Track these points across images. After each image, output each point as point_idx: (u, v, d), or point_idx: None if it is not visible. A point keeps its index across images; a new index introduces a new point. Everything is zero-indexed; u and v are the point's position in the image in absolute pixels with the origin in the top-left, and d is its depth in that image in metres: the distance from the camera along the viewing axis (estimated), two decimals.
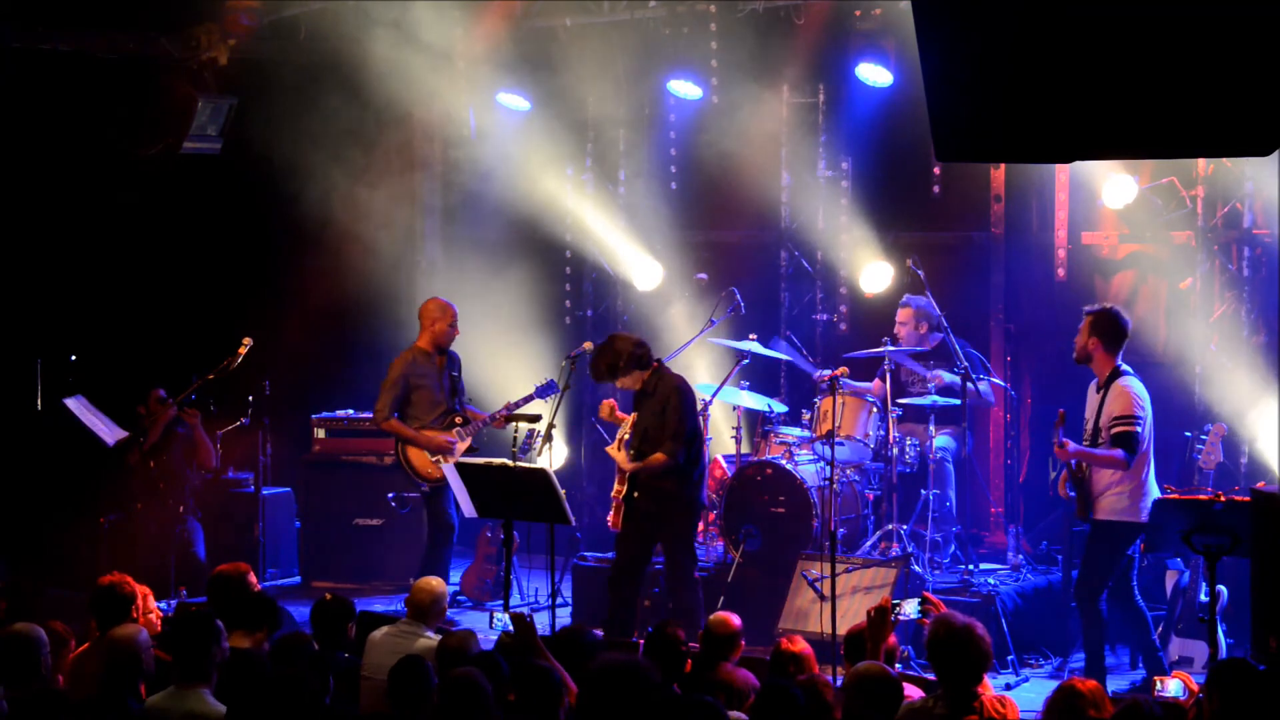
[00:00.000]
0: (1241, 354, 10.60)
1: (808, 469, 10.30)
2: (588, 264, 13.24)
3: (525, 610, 7.43)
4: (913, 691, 6.15)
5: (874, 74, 11.39)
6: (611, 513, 9.32)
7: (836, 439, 9.77)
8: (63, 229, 11.90)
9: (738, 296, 11.24)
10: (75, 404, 10.94)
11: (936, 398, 10.49)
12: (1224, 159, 10.57)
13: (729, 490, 10.41)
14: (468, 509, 9.00)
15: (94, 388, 11.28)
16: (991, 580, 10.02)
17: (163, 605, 8.31)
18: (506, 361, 12.22)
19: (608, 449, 9.24)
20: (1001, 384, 11.17)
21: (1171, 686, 6.60)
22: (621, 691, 5.34)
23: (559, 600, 10.24)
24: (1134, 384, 8.74)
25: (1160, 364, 10.88)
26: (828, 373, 10.15)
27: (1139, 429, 8.62)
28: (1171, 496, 8.24)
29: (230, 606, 7.14)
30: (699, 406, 10.76)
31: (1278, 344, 10.42)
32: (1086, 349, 8.85)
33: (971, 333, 11.20)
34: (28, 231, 11.77)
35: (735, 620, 6.96)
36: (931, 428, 10.40)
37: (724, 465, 11.04)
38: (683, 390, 9.25)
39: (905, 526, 10.22)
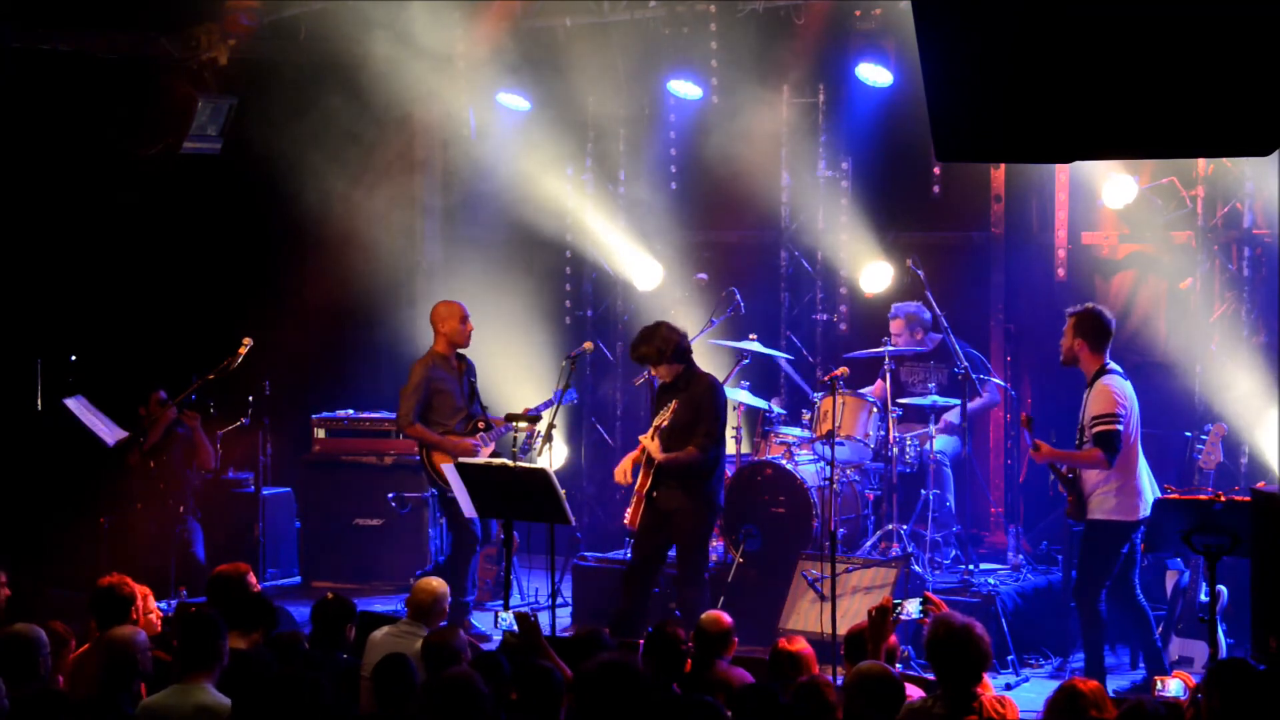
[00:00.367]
0: (1241, 354, 10.60)
1: (808, 469, 10.30)
2: (588, 264, 13.24)
3: (527, 610, 7.43)
4: (913, 691, 6.15)
5: (874, 74, 11.39)
6: (630, 510, 9.30)
7: (836, 439, 9.77)
8: (63, 229, 11.89)
9: (738, 296, 11.24)
10: (75, 404, 10.94)
11: (936, 398, 10.49)
12: (1224, 159, 10.57)
13: (729, 490, 10.40)
14: (468, 509, 9.00)
15: (94, 388, 11.28)
16: (991, 580, 10.02)
17: (163, 605, 8.31)
18: (506, 361, 12.21)
19: (641, 438, 9.22)
20: (1002, 384, 11.17)
21: (1172, 686, 6.60)
22: (615, 692, 5.34)
23: (559, 600, 10.24)
24: (1115, 382, 8.70)
25: (1160, 364, 10.88)
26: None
27: (1119, 427, 8.59)
28: (1171, 496, 8.24)
29: (229, 606, 7.14)
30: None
31: (1278, 344, 10.42)
32: (1072, 350, 8.84)
33: (971, 333, 11.21)
34: (28, 231, 11.77)
35: (727, 618, 6.97)
36: (931, 428, 10.40)
37: (725, 468, 11.04)
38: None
39: (905, 526, 10.22)
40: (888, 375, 10.41)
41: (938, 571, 10.21)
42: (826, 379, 10.14)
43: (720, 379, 10.87)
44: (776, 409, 10.95)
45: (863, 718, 5.76)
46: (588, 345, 10.92)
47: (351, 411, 12.39)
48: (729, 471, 10.75)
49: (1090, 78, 4.31)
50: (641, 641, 6.99)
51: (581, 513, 12.39)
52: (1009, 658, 9.46)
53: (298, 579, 12.11)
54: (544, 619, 9.44)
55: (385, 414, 12.23)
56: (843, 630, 7.83)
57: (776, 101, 12.38)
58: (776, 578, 9.93)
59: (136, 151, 11.87)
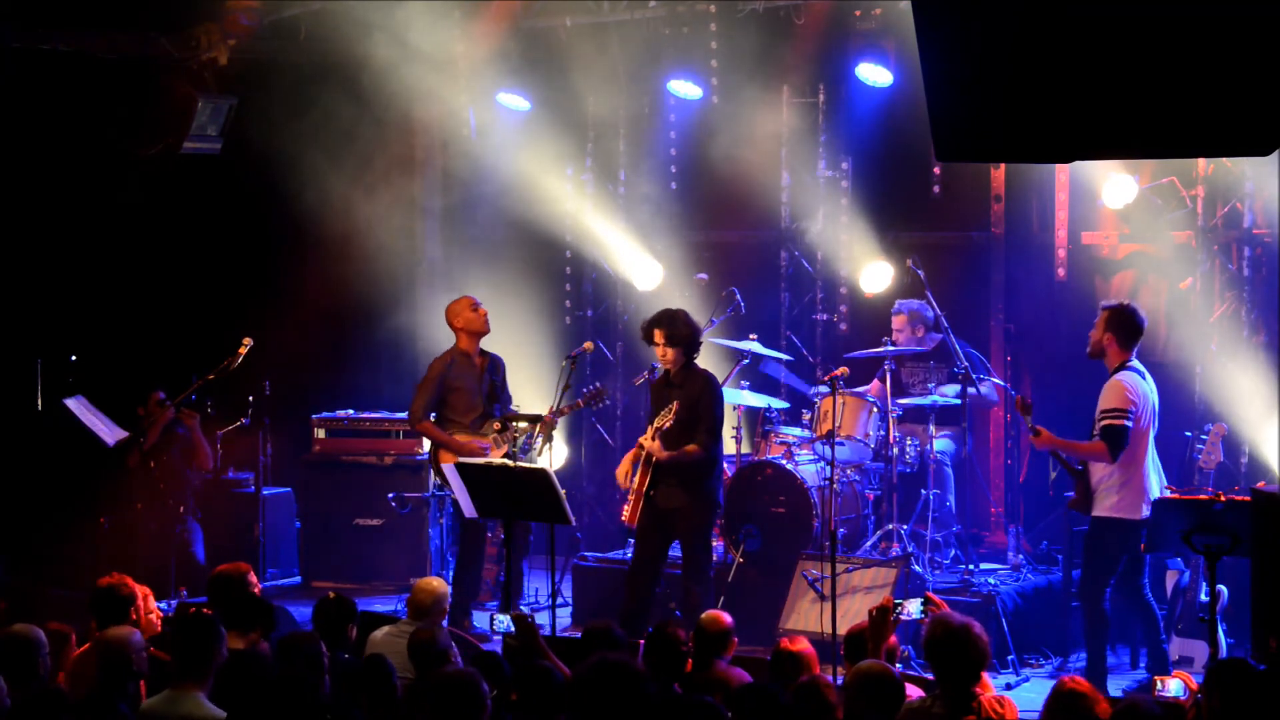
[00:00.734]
0: (1241, 354, 10.60)
1: (808, 469, 10.30)
2: (588, 264, 13.24)
3: (525, 610, 7.43)
4: (913, 691, 6.15)
5: (874, 74, 11.40)
6: (628, 509, 9.30)
7: (837, 439, 9.77)
8: (63, 229, 11.89)
9: (738, 296, 11.24)
10: (75, 404, 10.94)
11: (937, 398, 10.50)
12: (1224, 159, 10.57)
13: (729, 490, 10.40)
14: (468, 509, 9.00)
15: (94, 388, 11.28)
16: (991, 580, 10.02)
17: (163, 605, 8.30)
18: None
19: (641, 440, 9.22)
20: (1002, 384, 11.17)
21: (1172, 686, 6.60)
22: (613, 692, 5.33)
23: (559, 600, 10.23)
24: (1130, 378, 8.70)
25: (1160, 364, 10.87)
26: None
27: (1126, 423, 8.58)
28: (1171, 496, 8.24)
29: (229, 607, 7.14)
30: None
31: (1278, 344, 10.42)
32: (1101, 344, 8.83)
33: (971, 333, 11.21)
34: (28, 231, 11.77)
35: (726, 618, 6.97)
36: (932, 428, 10.40)
37: (724, 465, 11.04)
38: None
39: (905, 526, 10.22)
40: (887, 376, 10.40)
41: (938, 571, 10.20)
42: (826, 379, 10.14)
43: (720, 379, 10.90)
44: (776, 404, 10.94)
45: (863, 717, 5.76)
46: (588, 345, 10.92)
47: (351, 411, 12.39)
48: (729, 471, 10.76)
49: (1090, 78, 4.31)
50: (642, 641, 6.98)
51: (581, 513, 12.39)
52: (1009, 658, 9.46)
53: (298, 579, 12.11)
54: (544, 619, 9.46)
55: (385, 414, 12.24)
56: (843, 630, 7.83)
57: (776, 101, 12.38)
58: (776, 578, 9.93)
59: (136, 151, 11.87)
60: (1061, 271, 11.50)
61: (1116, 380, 8.70)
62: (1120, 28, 4.23)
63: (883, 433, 10.36)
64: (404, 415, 12.10)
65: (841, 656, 6.94)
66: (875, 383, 10.69)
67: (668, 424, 9.11)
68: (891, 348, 10.57)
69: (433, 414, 10.42)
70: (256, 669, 6.31)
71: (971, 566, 10.16)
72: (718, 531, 10.67)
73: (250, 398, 11.37)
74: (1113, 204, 11.04)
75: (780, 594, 9.80)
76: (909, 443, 10.46)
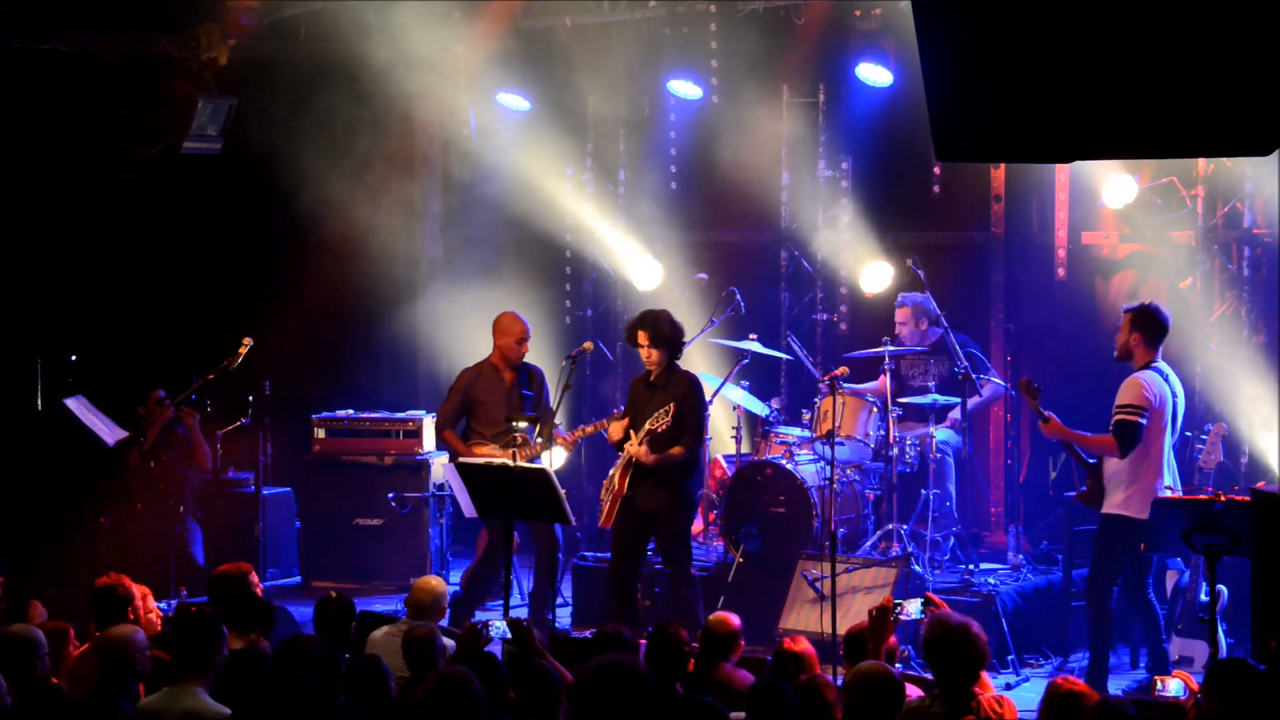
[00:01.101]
0: (1241, 354, 10.59)
1: (808, 469, 10.30)
2: (588, 264, 13.24)
3: (523, 613, 7.43)
4: (913, 691, 6.15)
5: (874, 74, 11.40)
6: (605, 511, 9.30)
7: (837, 439, 9.77)
8: (63, 229, 11.90)
9: (738, 296, 11.25)
10: (75, 404, 10.94)
11: (937, 396, 10.49)
12: (1224, 159, 10.57)
13: (729, 490, 10.41)
14: (468, 509, 9.00)
15: (94, 388, 11.28)
16: (991, 580, 10.02)
17: (163, 605, 8.31)
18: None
19: (627, 445, 9.21)
20: (1002, 384, 11.15)
21: (1172, 686, 6.60)
22: (614, 692, 5.33)
23: (559, 600, 10.23)
24: (1149, 377, 8.70)
25: None
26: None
27: (1140, 420, 8.59)
28: (1171, 496, 8.24)
29: (230, 606, 7.13)
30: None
31: (1278, 344, 10.42)
32: (1128, 345, 8.83)
33: (971, 333, 11.20)
34: (28, 231, 11.77)
35: (735, 620, 6.96)
36: (932, 425, 10.40)
37: (724, 465, 11.04)
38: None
39: (905, 526, 10.22)
40: (887, 373, 10.40)
41: (938, 571, 10.20)
42: (826, 379, 10.14)
43: (720, 379, 10.91)
44: (775, 402, 10.96)
45: (863, 717, 5.76)
46: (588, 345, 10.90)
47: (351, 411, 12.39)
48: (729, 471, 10.77)
49: (1090, 78, 4.31)
50: (644, 642, 6.98)
51: (581, 513, 12.37)
52: (1009, 658, 9.46)
53: (298, 579, 12.11)
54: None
55: (385, 414, 12.24)
56: (843, 630, 7.83)
57: (776, 101, 12.38)
58: (776, 578, 9.93)
59: (136, 151, 11.87)
60: (1061, 271, 11.50)
61: (1134, 377, 8.71)
62: (1120, 28, 4.23)
63: (883, 432, 10.36)
64: (404, 415, 12.16)
65: (841, 656, 6.94)
66: (881, 379, 10.66)
67: (662, 427, 9.08)
68: (891, 347, 10.57)
69: (454, 425, 10.40)
70: (256, 669, 6.31)
71: (971, 566, 10.16)
72: (717, 531, 10.69)
73: (250, 398, 11.36)
74: (1113, 204, 11.04)
75: (780, 594, 9.80)
76: (909, 442, 10.46)
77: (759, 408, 10.90)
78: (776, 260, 12.73)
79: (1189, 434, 9.97)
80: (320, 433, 12.28)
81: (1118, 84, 4.31)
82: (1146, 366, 8.75)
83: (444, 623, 7.94)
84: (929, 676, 6.51)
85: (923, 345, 10.89)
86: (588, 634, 8.21)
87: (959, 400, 10.40)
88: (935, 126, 4.54)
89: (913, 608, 6.62)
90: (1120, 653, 9.57)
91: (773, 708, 5.64)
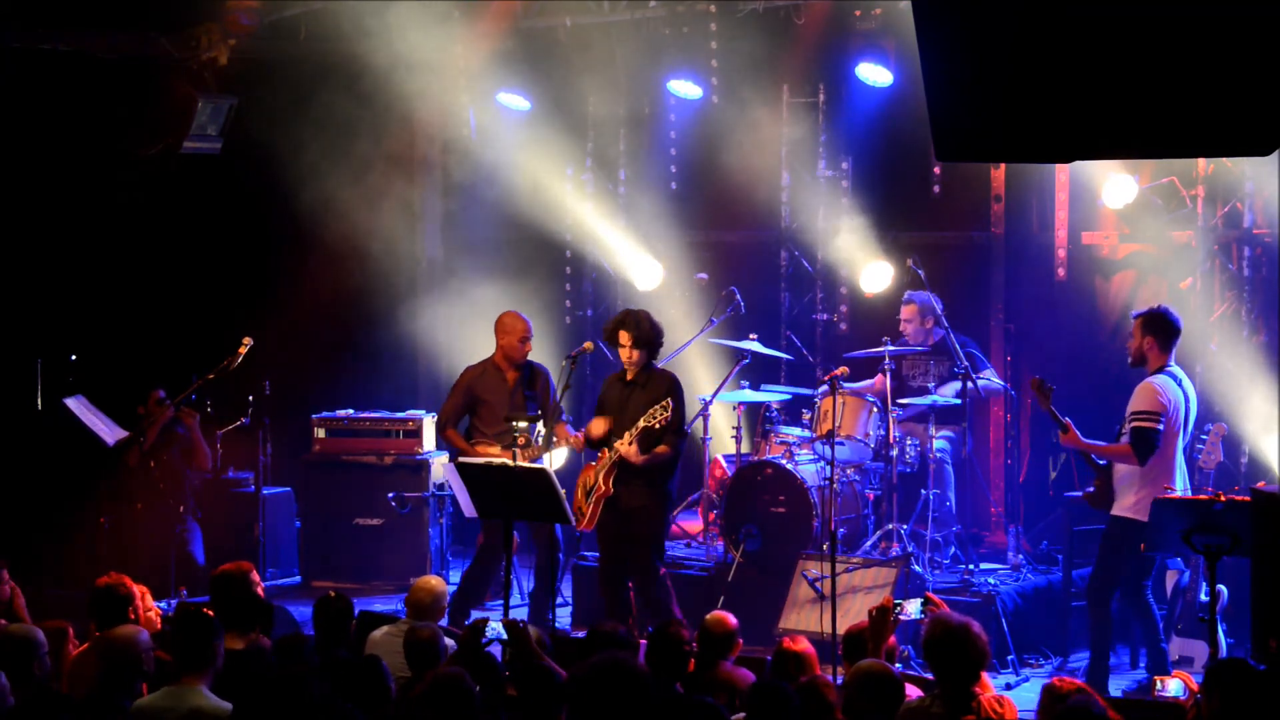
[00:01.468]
0: (1241, 354, 10.59)
1: (808, 469, 10.30)
2: (588, 264, 13.24)
3: (523, 613, 7.42)
4: (912, 691, 6.15)
5: (874, 74, 11.40)
6: (588, 514, 9.27)
7: (837, 439, 9.77)
8: (63, 229, 11.90)
9: (738, 296, 11.25)
10: (75, 404, 10.94)
11: (937, 397, 10.49)
12: (1224, 159, 10.57)
13: (729, 490, 10.41)
14: (468, 509, 9.00)
15: (94, 388, 11.28)
16: (991, 580, 10.02)
17: (163, 605, 8.31)
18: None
19: (617, 444, 9.20)
20: (1001, 383, 11.16)
21: (1172, 686, 6.60)
22: (614, 692, 5.33)
23: (559, 600, 10.23)
24: (1163, 381, 8.69)
25: None
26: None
27: (1157, 426, 8.59)
28: (1171, 496, 8.24)
29: (231, 606, 7.13)
30: (699, 407, 10.78)
31: (1278, 344, 10.42)
32: (1141, 350, 8.82)
33: (972, 333, 11.20)
34: (28, 231, 11.77)
35: (731, 619, 6.97)
36: (932, 428, 10.40)
37: (724, 465, 11.04)
38: (679, 384, 9.35)
39: (905, 526, 10.22)
40: (887, 373, 10.41)
41: (938, 571, 10.20)
42: (826, 379, 10.14)
43: (720, 379, 10.92)
44: (777, 391, 10.95)
45: (862, 717, 5.76)
46: (588, 345, 10.87)
47: (351, 411, 12.39)
48: (729, 471, 10.77)
49: (1090, 78, 4.31)
50: (643, 641, 6.98)
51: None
52: (1009, 658, 9.46)
53: (298, 579, 12.11)
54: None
55: (385, 414, 12.24)
56: (843, 630, 7.83)
57: (776, 101, 12.39)
58: (776, 578, 9.93)
59: (136, 151, 11.87)
60: (1061, 271, 11.50)
61: (1148, 383, 8.70)
62: (1120, 28, 4.23)
63: (883, 432, 10.37)
64: (404, 415, 12.17)
65: (841, 656, 6.94)
66: (879, 377, 10.67)
67: (660, 423, 9.07)
68: (891, 346, 10.57)
69: (456, 423, 10.40)
70: (257, 668, 6.31)
71: (971, 566, 10.16)
72: (717, 531, 10.69)
73: (250, 398, 11.36)
74: (1113, 204, 11.04)
75: (780, 594, 9.81)
76: (909, 442, 10.47)
77: (760, 398, 10.89)
78: (776, 260, 12.73)
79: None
80: (320, 433, 12.29)
81: (1118, 84, 4.31)
82: (1160, 371, 8.75)
83: (443, 622, 7.94)
84: (929, 676, 6.51)
85: (924, 345, 10.89)
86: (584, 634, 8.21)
87: (959, 402, 10.40)
88: (935, 126, 4.54)
89: (912, 608, 6.62)
90: (1120, 653, 9.57)
91: (773, 708, 5.64)
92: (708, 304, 11.66)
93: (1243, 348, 10.64)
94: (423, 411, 12.17)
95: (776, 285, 12.71)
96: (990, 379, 10.79)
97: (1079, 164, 10.94)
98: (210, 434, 11.33)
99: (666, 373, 9.43)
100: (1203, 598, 8.82)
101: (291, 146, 12.04)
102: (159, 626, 7.48)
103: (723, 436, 11.23)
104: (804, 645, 6.72)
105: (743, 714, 5.89)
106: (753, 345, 10.88)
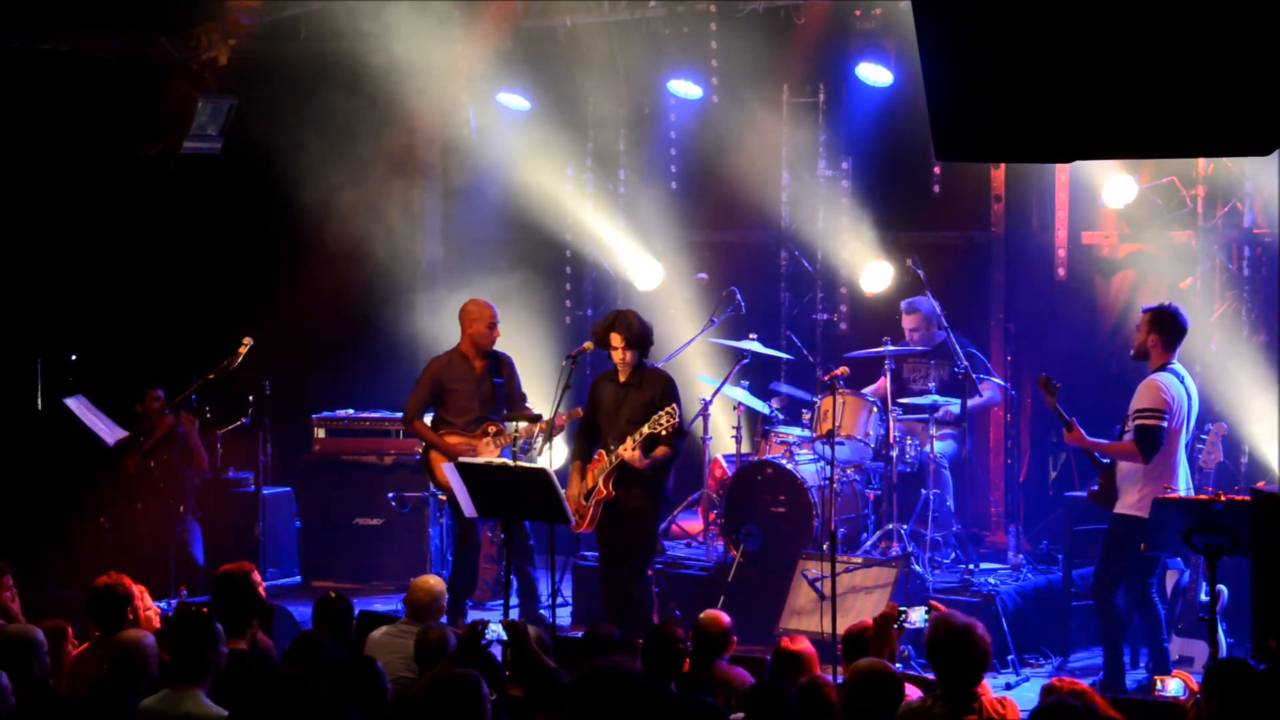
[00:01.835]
0: (1242, 354, 10.59)
1: (808, 468, 10.30)
2: (588, 264, 13.24)
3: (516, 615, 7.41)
4: (912, 692, 6.15)
5: (874, 74, 11.40)
6: (588, 516, 9.27)
7: (837, 439, 9.77)
8: (63, 229, 11.90)
9: (738, 296, 11.24)
10: (75, 404, 10.94)
11: (937, 398, 10.49)
12: (1224, 159, 10.56)
13: (729, 490, 10.41)
14: (468, 509, 9.01)
15: (94, 388, 11.28)
16: (991, 580, 10.02)
17: (162, 605, 8.30)
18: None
19: (620, 449, 9.18)
20: (1001, 384, 11.17)
21: (1172, 686, 6.60)
22: (609, 697, 5.33)
23: (559, 600, 10.23)
24: (1166, 379, 8.70)
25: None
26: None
27: (1161, 424, 8.60)
28: (1171, 496, 8.24)
29: (232, 606, 7.13)
30: (699, 406, 10.78)
31: (1278, 344, 10.42)
32: (1145, 345, 8.84)
33: (971, 333, 11.20)
34: (28, 231, 11.77)
35: (725, 618, 6.97)
36: (932, 428, 10.40)
37: (724, 465, 11.04)
38: (674, 383, 9.35)
39: (905, 526, 10.22)
40: (887, 374, 10.41)
41: (938, 571, 10.20)
42: (827, 379, 10.14)
43: (720, 379, 10.91)
44: (780, 391, 10.95)
45: (862, 716, 5.76)
46: (588, 345, 10.88)
47: (351, 411, 12.39)
48: (729, 471, 10.77)
49: (1090, 78, 4.31)
50: (641, 641, 6.98)
51: None
52: (1009, 658, 9.46)
53: (298, 579, 12.11)
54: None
55: (385, 414, 12.24)
56: (843, 630, 7.83)
57: (776, 101, 12.39)
58: (776, 578, 9.93)
59: (136, 151, 11.87)
60: (1061, 271, 11.50)
61: (1151, 380, 8.71)
62: (1120, 28, 4.23)
63: (883, 432, 10.36)
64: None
65: (840, 656, 6.94)
66: (881, 380, 10.66)
67: (664, 430, 9.05)
68: (891, 347, 10.57)
69: (429, 413, 10.39)
70: (258, 668, 6.31)
71: (971, 566, 10.16)
72: (717, 531, 10.69)
73: (250, 398, 11.36)
74: (1113, 204, 11.03)
75: (780, 594, 9.80)
76: (909, 442, 10.46)
77: (760, 406, 10.90)
78: (776, 260, 12.73)
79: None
80: (320, 433, 12.29)
81: (1118, 84, 4.31)
82: (1162, 368, 8.76)
83: (444, 620, 7.93)
84: (929, 676, 6.51)
85: (927, 347, 10.89)
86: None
87: (959, 400, 10.40)
88: (935, 126, 4.54)
89: (916, 616, 6.60)
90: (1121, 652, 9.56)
91: (773, 708, 5.64)
92: (708, 304, 11.66)
93: (1243, 348, 10.64)
94: None
95: (776, 285, 12.71)
96: (983, 395, 10.75)
97: (1079, 164, 10.94)
98: (210, 434, 11.33)
99: (661, 372, 9.41)
100: (1203, 598, 8.82)
101: (291, 146, 12.04)
102: (158, 626, 7.48)
103: (723, 436, 11.22)
104: (804, 645, 6.72)
105: (740, 714, 5.89)
106: (753, 345, 10.88)
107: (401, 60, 11.84)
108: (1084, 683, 6.04)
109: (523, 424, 9.34)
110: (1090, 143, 4.54)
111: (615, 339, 9.23)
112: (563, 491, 8.59)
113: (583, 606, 10.73)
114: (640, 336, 9.24)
